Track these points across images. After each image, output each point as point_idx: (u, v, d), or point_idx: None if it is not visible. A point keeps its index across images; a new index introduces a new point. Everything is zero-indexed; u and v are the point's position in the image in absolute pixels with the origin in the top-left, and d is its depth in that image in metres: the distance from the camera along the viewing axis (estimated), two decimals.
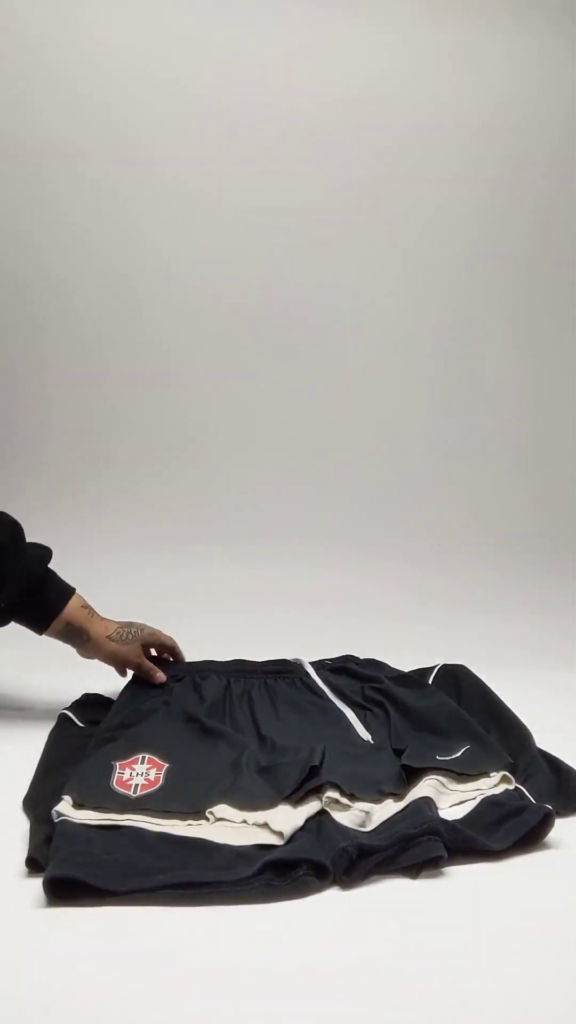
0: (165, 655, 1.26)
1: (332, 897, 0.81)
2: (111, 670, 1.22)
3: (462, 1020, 0.66)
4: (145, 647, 1.22)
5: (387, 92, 2.16)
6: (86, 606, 1.18)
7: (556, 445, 2.31)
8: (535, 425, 2.31)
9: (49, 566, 1.16)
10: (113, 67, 2.00)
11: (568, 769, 1.04)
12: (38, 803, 0.93)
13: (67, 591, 1.17)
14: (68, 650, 1.19)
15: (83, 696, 1.19)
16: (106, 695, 1.20)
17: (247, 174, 2.08)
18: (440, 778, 0.99)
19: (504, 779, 1.02)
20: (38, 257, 2.01)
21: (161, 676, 1.20)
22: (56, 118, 1.98)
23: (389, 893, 0.82)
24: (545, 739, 1.10)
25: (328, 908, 0.80)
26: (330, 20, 2.10)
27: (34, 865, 0.82)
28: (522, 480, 2.24)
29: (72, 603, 1.16)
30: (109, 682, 1.21)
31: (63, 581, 1.17)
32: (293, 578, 1.86)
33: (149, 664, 1.21)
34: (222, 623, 1.60)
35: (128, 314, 2.06)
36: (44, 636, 1.16)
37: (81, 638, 1.17)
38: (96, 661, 1.20)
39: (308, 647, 1.32)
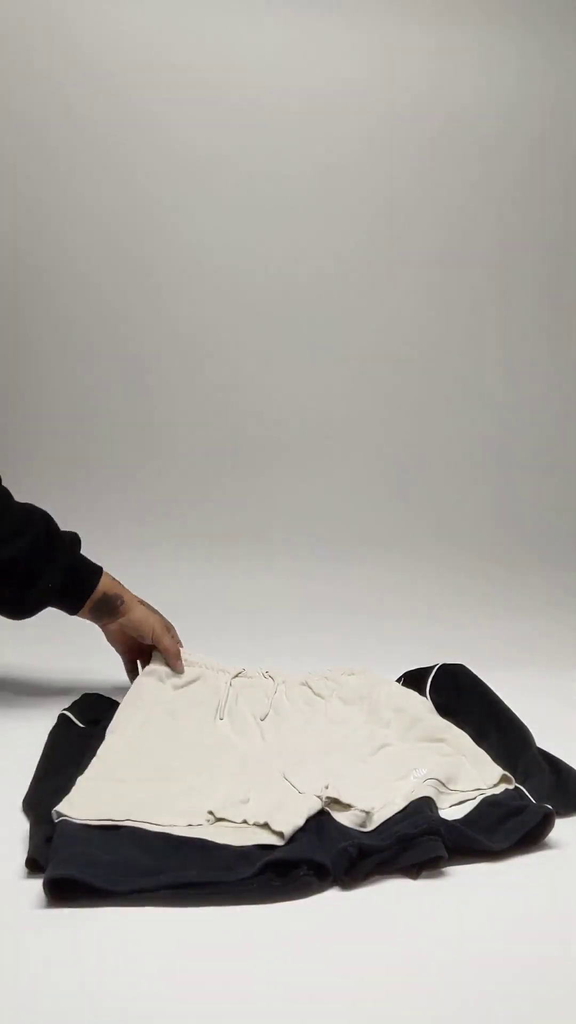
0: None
1: (333, 897, 0.81)
2: (111, 666, 1.21)
3: (464, 1020, 0.66)
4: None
5: (395, 91, 2.16)
6: (116, 580, 1.21)
7: (570, 440, 2.30)
8: (551, 420, 2.29)
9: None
10: (124, 54, 2.01)
11: (568, 769, 1.04)
12: (38, 803, 0.93)
13: (97, 568, 1.20)
14: (66, 648, 1.18)
15: (83, 696, 1.19)
16: (106, 695, 1.20)
17: (253, 186, 2.08)
18: (439, 777, 0.99)
19: (504, 779, 1.02)
20: (33, 253, 2.01)
21: (180, 664, 1.20)
22: (66, 101, 1.99)
23: (389, 893, 0.82)
24: (547, 738, 1.10)
25: (329, 909, 0.80)
26: (334, 22, 2.10)
27: (34, 866, 0.82)
28: (536, 476, 2.23)
29: (104, 577, 1.19)
30: (108, 681, 1.21)
31: (91, 561, 1.20)
32: (296, 574, 1.85)
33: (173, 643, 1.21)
34: (222, 620, 1.59)
35: (123, 309, 2.05)
36: (76, 616, 1.19)
37: (115, 603, 1.19)
38: (101, 656, 1.19)
39: (313, 644, 1.31)
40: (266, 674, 1.26)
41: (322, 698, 1.22)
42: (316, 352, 2.15)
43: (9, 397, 2.00)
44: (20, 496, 1.15)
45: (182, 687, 1.20)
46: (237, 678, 1.24)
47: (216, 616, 1.62)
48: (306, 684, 1.25)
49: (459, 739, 1.11)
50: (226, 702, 1.18)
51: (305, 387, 2.14)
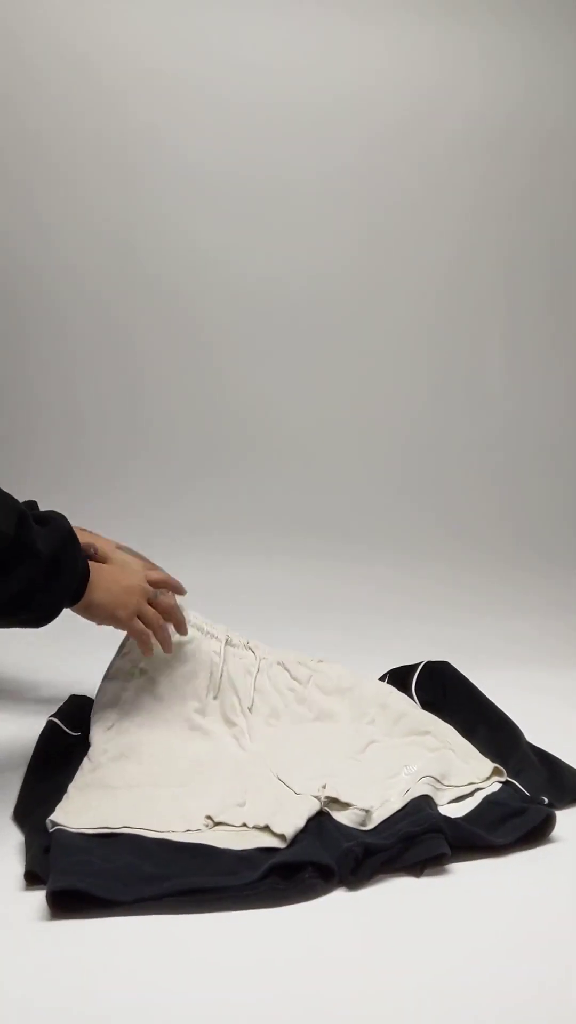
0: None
1: (338, 898, 0.81)
2: (100, 668, 1.18)
3: (471, 1018, 0.66)
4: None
5: (398, 90, 2.15)
6: (82, 529, 1.06)
7: (572, 441, 2.30)
8: (554, 420, 2.29)
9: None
10: (115, 62, 1.98)
11: (559, 763, 1.05)
12: (29, 813, 0.91)
13: (85, 566, 1.01)
14: (60, 650, 1.14)
15: (70, 698, 1.16)
16: (94, 697, 1.17)
17: (255, 191, 2.06)
18: (432, 774, 0.99)
19: (495, 771, 1.02)
20: (30, 256, 1.97)
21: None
22: (55, 116, 1.96)
23: (394, 892, 0.82)
24: (547, 736, 1.11)
25: (336, 910, 0.79)
26: (338, 21, 2.09)
27: (33, 879, 0.80)
28: (538, 475, 2.22)
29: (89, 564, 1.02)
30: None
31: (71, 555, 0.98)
32: (296, 571, 1.83)
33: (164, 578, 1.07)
34: (220, 618, 1.56)
35: (119, 304, 2.03)
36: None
37: (89, 552, 1.04)
38: (93, 655, 1.14)
39: (312, 642, 1.29)
40: (247, 645, 1.23)
41: (300, 683, 1.21)
42: (321, 355, 2.13)
43: (5, 396, 1.96)
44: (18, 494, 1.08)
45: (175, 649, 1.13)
46: (227, 646, 1.20)
47: (214, 614, 1.58)
48: (282, 664, 1.22)
49: (445, 732, 1.11)
50: (220, 676, 1.15)
51: (309, 389, 2.12)
